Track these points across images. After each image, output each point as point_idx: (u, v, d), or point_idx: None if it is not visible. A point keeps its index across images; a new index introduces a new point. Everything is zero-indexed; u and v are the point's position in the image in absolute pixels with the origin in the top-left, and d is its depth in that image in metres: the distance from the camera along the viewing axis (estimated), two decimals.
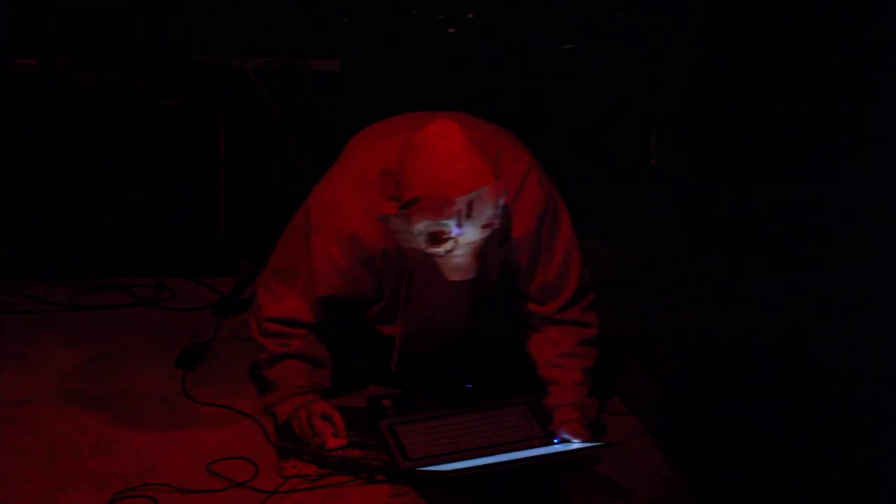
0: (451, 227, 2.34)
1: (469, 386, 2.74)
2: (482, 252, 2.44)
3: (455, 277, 2.43)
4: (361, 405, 2.71)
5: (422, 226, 2.36)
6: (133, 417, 2.70)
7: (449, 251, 2.38)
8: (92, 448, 2.55)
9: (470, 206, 2.33)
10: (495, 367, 2.82)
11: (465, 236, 2.36)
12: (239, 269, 3.59)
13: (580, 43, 3.81)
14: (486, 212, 2.36)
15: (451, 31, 3.78)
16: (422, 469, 2.42)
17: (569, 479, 2.45)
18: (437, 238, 2.36)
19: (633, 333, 3.22)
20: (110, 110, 3.47)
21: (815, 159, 3.66)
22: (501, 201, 2.39)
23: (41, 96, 3.44)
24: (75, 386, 2.84)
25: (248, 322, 2.76)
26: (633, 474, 2.49)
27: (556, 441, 2.51)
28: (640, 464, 2.55)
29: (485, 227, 2.37)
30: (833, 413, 2.77)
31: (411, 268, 2.57)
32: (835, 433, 2.68)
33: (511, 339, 2.76)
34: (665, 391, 2.93)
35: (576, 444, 2.49)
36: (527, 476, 2.44)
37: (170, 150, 3.52)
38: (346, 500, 2.39)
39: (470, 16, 3.77)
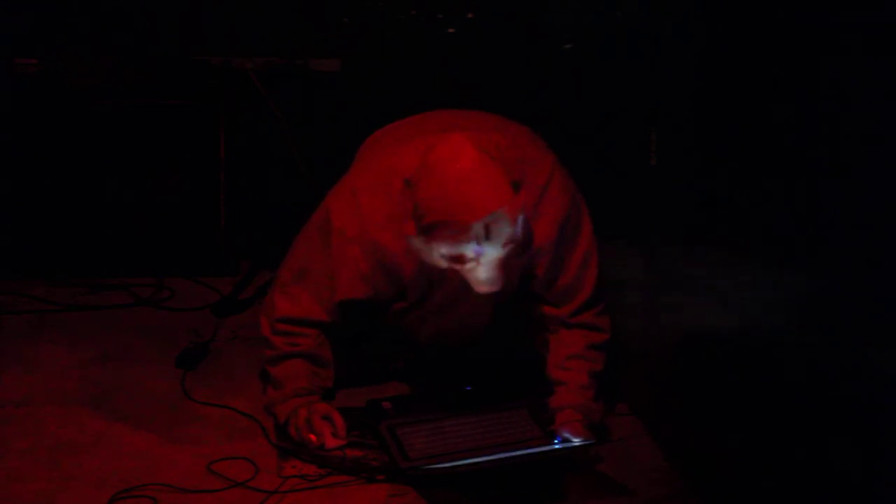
0: (471, 250, 2.33)
1: (468, 388, 2.75)
2: (507, 264, 2.43)
3: (483, 290, 2.43)
4: (362, 405, 2.71)
5: (442, 250, 2.36)
6: (133, 417, 2.70)
7: (473, 268, 2.38)
8: (92, 448, 2.55)
9: (487, 229, 2.32)
10: (497, 370, 2.82)
11: (486, 256, 2.36)
12: (239, 269, 3.59)
13: (580, 43, 3.81)
14: (505, 231, 2.34)
15: (450, 31, 3.78)
16: (422, 468, 2.42)
17: (569, 478, 2.45)
18: (459, 260, 2.36)
19: (633, 333, 3.22)
20: (110, 110, 3.47)
21: (817, 159, 3.66)
22: (521, 218, 2.37)
23: (41, 96, 3.45)
24: (75, 386, 2.84)
25: (253, 321, 2.76)
26: (633, 473, 2.50)
27: (556, 441, 2.51)
28: (640, 463, 2.55)
29: (505, 245, 2.36)
30: (833, 413, 2.77)
31: (438, 279, 2.56)
32: (835, 433, 2.68)
33: (514, 341, 2.76)
34: (665, 391, 2.93)
35: (575, 441, 2.49)
36: (524, 470, 2.44)
37: (170, 150, 3.52)
38: (346, 500, 2.39)
39: (470, 16, 3.77)
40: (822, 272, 3.03)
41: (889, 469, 2.43)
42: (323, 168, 2.81)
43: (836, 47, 2.91)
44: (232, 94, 3.57)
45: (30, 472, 2.44)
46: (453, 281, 2.51)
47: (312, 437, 2.53)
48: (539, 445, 2.52)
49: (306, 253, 2.67)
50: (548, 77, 3.81)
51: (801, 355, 3.06)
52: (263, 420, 2.67)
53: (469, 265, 2.37)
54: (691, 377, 2.92)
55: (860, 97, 2.75)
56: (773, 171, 3.52)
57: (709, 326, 3.27)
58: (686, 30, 3.50)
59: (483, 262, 2.37)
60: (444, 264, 2.39)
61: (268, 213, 3.63)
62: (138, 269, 3.54)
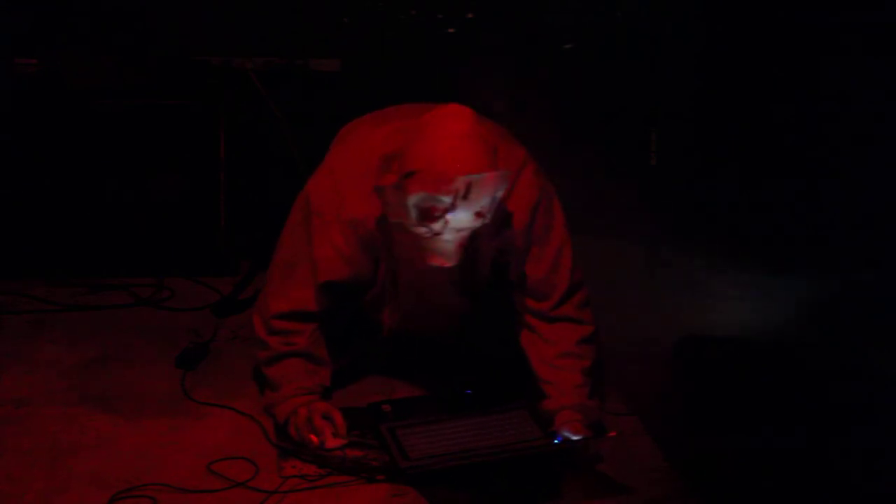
0: (445, 205, 2.33)
1: (469, 392, 2.75)
2: (468, 244, 2.43)
3: (435, 262, 2.43)
4: (362, 405, 2.71)
5: (416, 198, 2.34)
6: (133, 417, 2.70)
7: (436, 233, 2.38)
8: (92, 448, 2.55)
9: (468, 187, 2.32)
10: (494, 372, 2.82)
11: (456, 219, 2.36)
12: (239, 269, 3.59)
13: (580, 43, 3.81)
14: (483, 199, 2.35)
15: (451, 31, 3.78)
16: (422, 466, 2.42)
17: (570, 478, 2.45)
18: (429, 215, 2.35)
19: (633, 333, 3.22)
20: (110, 110, 3.46)
21: (817, 159, 3.66)
22: (499, 194, 2.39)
23: (41, 96, 3.44)
24: (75, 386, 2.84)
25: (251, 321, 2.76)
26: (633, 473, 2.49)
27: (556, 441, 2.51)
28: (640, 463, 2.55)
29: (477, 214, 2.37)
30: (832, 413, 2.77)
31: (398, 248, 2.57)
32: (834, 433, 2.68)
33: (509, 342, 2.76)
34: (665, 391, 2.93)
35: (575, 438, 2.49)
36: (525, 467, 2.43)
37: (170, 150, 3.52)
38: (346, 500, 2.39)
39: (470, 16, 3.77)
40: (822, 272, 3.03)
41: (889, 469, 2.43)
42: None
43: (836, 47, 2.91)
44: (232, 94, 3.56)
45: (30, 472, 2.44)
46: (411, 248, 2.50)
47: (313, 437, 2.53)
48: (539, 444, 2.52)
49: (290, 242, 2.68)
50: (548, 77, 3.81)
51: (802, 355, 3.05)
52: (263, 420, 2.66)
53: (436, 226, 2.36)
54: (691, 377, 2.92)
55: (860, 97, 2.75)
56: (773, 172, 3.51)
57: (709, 326, 3.27)
58: (686, 30, 3.50)
59: (449, 227, 2.36)
60: (411, 219, 2.37)
61: (268, 213, 3.62)
62: (138, 269, 3.54)
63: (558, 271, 2.65)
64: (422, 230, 2.39)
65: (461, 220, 2.36)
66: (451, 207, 2.34)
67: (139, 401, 2.78)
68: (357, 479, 2.45)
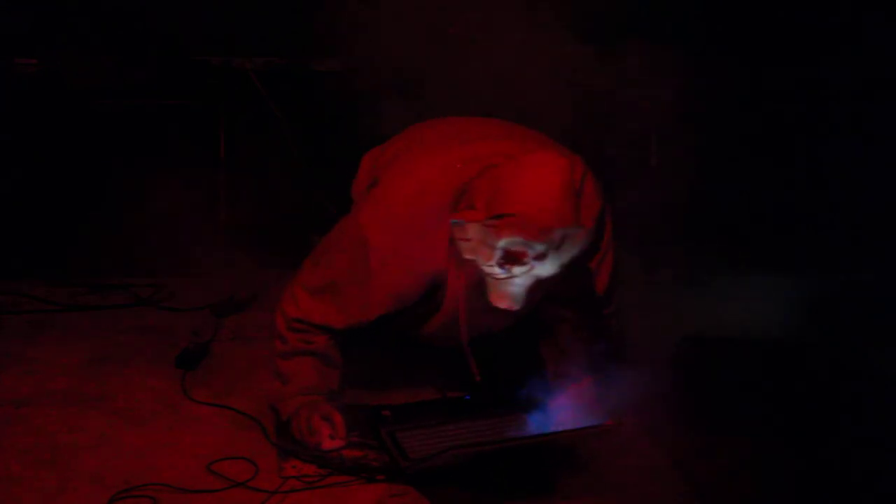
0: (536, 253, 2.32)
1: (468, 397, 2.75)
2: (534, 290, 2.41)
3: (502, 305, 2.41)
4: (363, 409, 2.70)
5: (506, 242, 2.32)
6: (133, 417, 2.70)
7: (511, 277, 2.36)
8: (92, 448, 2.55)
9: (563, 240, 2.32)
10: (496, 375, 2.82)
11: (541, 268, 2.35)
12: (239, 269, 3.59)
13: (579, 42, 3.81)
14: (571, 253, 2.34)
15: (451, 31, 3.78)
16: (423, 463, 2.42)
17: (569, 477, 2.45)
18: (515, 259, 2.34)
19: (633, 333, 3.22)
20: (110, 110, 3.46)
21: (817, 159, 3.66)
22: (581, 248, 2.38)
23: (41, 96, 3.44)
24: (75, 386, 2.84)
25: (252, 321, 2.75)
26: (632, 473, 2.49)
27: (555, 432, 2.51)
28: (639, 462, 2.55)
29: (563, 266, 2.36)
30: (833, 413, 2.77)
31: (462, 284, 2.54)
32: (835, 433, 2.68)
33: (518, 349, 2.76)
34: (665, 391, 2.93)
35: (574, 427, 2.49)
36: (525, 463, 2.43)
37: (169, 150, 3.52)
38: (346, 500, 2.39)
39: (470, 16, 3.77)
40: (822, 272, 3.02)
41: (889, 469, 2.43)
42: (323, 168, 2.81)
43: (836, 47, 2.90)
44: (232, 94, 3.56)
45: (30, 472, 2.44)
46: (476, 287, 2.47)
47: (314, 438, 2.53)
48: (539, 437, 2.53)
49: (340, 267, 2.59)
50: (548, 77, 3.81)
51: (802, 355, 3.05)
52: (263, 420, 2.66)
53: (518, 269, 2.35)
54: (691, 377, 2.92)
55: (860, 97, 2.75)
56: (773, 171, 3.51)
57: (709, 326, 3.27)
58: (686, 30, 3.50)
59: (530, 273, 2.35)
60: (491, 258, 2.35)
61: (268, 213, 3.63)
62: (138, 269, 3.54)
63: (595, 280, 2.64)
64: (498, 271, 2.37)
65: (546, 269, 2.35)
66: (542, 256, 2.33)
67: (139, 401, 2.78)
68: (357, 479, 2.45)
